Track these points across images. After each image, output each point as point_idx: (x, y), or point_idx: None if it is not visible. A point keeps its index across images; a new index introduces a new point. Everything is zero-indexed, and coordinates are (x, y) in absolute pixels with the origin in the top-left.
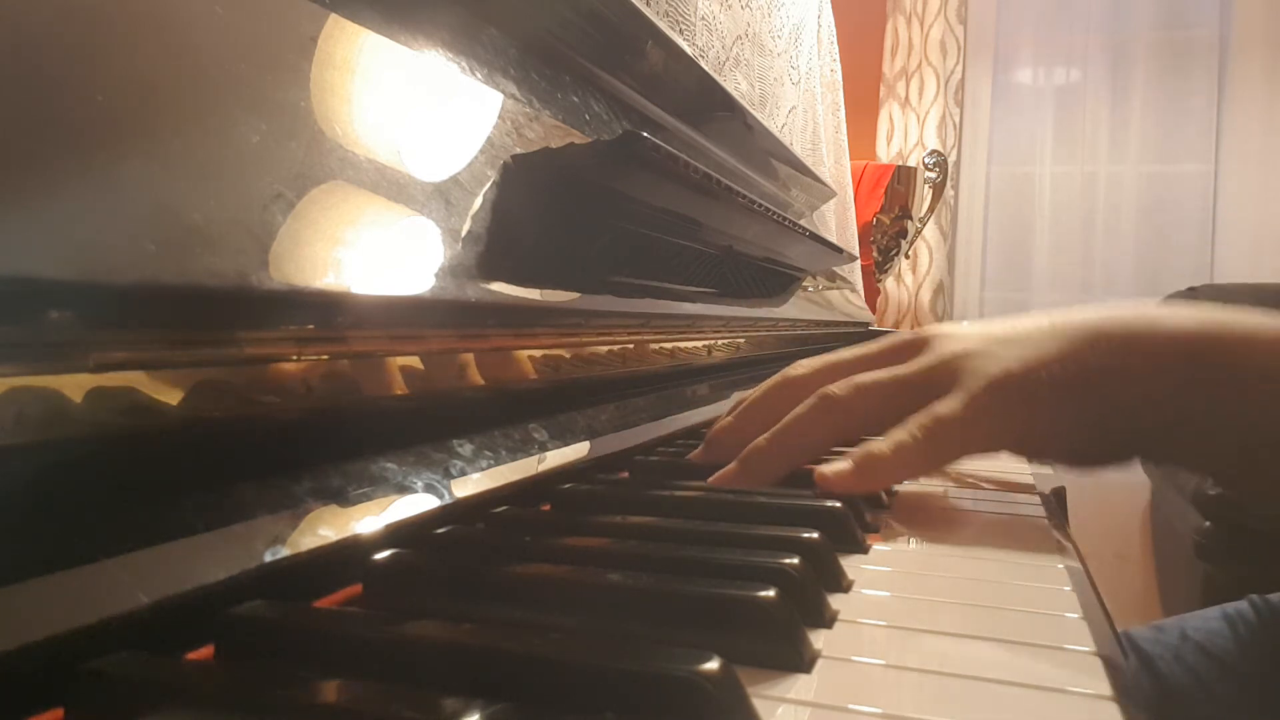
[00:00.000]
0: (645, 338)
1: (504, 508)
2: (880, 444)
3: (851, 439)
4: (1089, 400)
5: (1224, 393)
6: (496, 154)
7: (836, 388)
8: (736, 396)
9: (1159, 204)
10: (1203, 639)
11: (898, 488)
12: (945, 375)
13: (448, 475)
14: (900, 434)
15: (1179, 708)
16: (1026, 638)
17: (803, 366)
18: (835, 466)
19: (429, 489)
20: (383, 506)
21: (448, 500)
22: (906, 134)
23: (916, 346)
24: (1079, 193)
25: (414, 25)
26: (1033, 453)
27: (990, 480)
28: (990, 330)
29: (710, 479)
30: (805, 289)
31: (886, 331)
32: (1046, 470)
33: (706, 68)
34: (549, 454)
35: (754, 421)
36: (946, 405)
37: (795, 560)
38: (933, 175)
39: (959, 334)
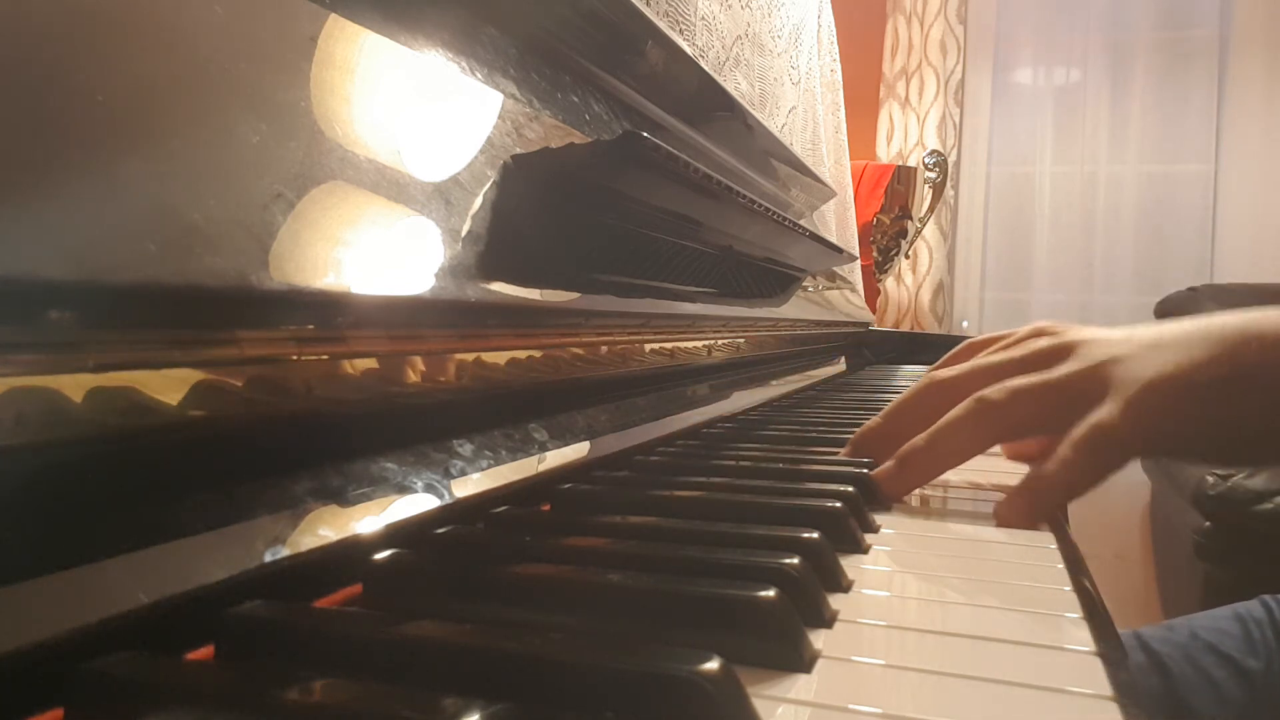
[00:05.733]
0: (645, 338)
1: (504, 508)
2: (1048, 467)
3: (1004, 442)
4: (1243, 400)
5: None
6: (496, 154)
7: (992, 392)
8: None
9: (1159, 204)
10: (1214, 639)
11: None
12: (1097, 382)
13: (448, 475)
14: (1065, 452)
15: (1190, 708)
16: (1026, 638)
17: (950, 370)
18: (1009, 502)
19: (429, 489)
20: (383, 506)
21: (448, 500)
22: (906, 134)
23: (1061, 352)
24: (1079, 193)
25: (414, 25)
26: (1187, 454)
27: (990, 481)
28: (1136, 335)
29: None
30: (805, 289)
31: (888, 331)
32: None
33: (706, 68)
34: (549, 454)
35: (903, 424)
36: (1104, 413)
37: (795, 560)
38: (933, 175)
39: (1104, 338)
